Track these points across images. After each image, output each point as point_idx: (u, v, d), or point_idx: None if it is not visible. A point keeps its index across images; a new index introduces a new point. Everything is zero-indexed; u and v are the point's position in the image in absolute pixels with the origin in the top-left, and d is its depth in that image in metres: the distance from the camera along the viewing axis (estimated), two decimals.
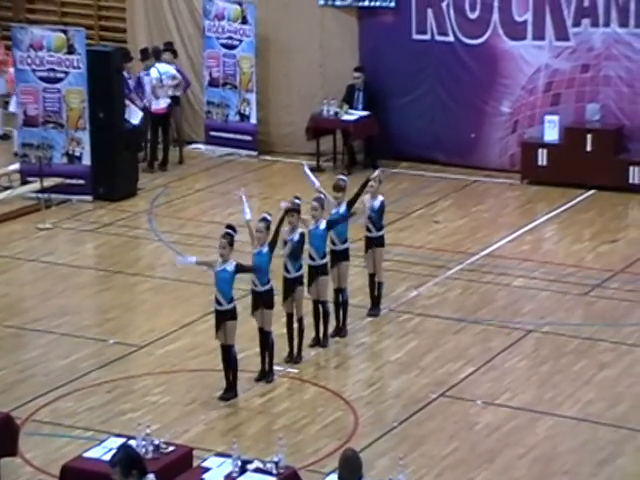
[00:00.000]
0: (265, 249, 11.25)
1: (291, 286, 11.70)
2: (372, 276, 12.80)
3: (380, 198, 12.64)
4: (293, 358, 11.82)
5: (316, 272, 12.03)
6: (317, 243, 12.01)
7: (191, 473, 8.66)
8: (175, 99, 18.57)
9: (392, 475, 8.40)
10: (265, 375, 11.38)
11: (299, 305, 11.78)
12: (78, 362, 11.85)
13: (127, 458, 6.61)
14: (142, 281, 14.05)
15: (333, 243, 12.27)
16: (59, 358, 11.96)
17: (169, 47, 18.74)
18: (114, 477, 6.59)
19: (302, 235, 11.76)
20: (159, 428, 10.07)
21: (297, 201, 11.82)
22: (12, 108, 18.88)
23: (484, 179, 17.58)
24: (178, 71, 18.62)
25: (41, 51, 16.72)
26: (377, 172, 12.89)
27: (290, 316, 11.83)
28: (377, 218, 12.66)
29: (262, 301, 11.33)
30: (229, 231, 11.05)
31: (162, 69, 18.20)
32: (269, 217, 11.36)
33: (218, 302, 11.05)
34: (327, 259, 12.13)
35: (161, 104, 18.14)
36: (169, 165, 18.37)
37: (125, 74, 17.61)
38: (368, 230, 12.70)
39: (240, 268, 11.04)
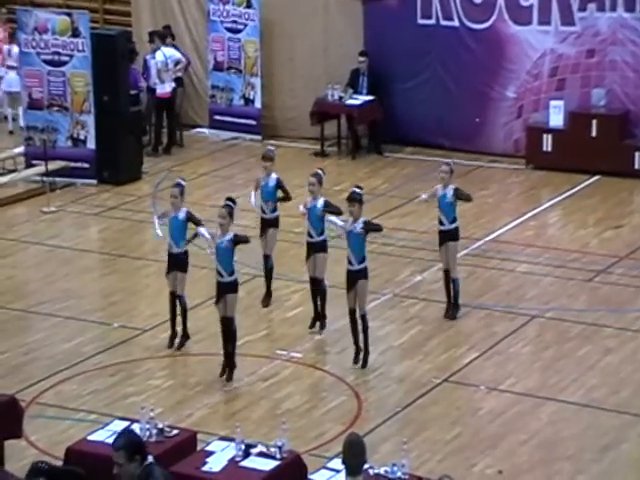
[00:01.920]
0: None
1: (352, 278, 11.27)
2: (446, 272, 12.31)
3: (452, 187, 12.12)
4: (359, 360, 11.37)
5: (314, 249, 12.03)
6: (315, 220, 11.99)
7: (195, 457, 8.67)
8: (178, 80, 18.55)
9: (395, 459, 8.41)
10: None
11: (362, 300, 11.30)
12: (82, 345, 11.87)
13: (130, 443, 6.63)
14: (146, 265, 14.06)
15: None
16: (63, 341, 11.98)
17: (168, 30, 18.70)
18: (117, 461, 6.60)
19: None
20: (163, 412, 10.08)
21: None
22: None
23: (488, 164, 17.55)
24: (178, 50, 18.60)
25: (46, 34, 16.71)
26: (445, 165, 12.30)
27: (353, 312, 11.38)
28: (449, 210, 12.18)
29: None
30: (229, 202, 11.12)
31: (168, 53, 18.17)
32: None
33: (219, 273, 11.09)
34: (325, 236, 12.07)
35: (166, 88, 18.12)
36: (173, 149, 18.36)
37: (134, 67, 17.62)
38: (440, 223, 12.28)
39: (237, 239, 11.05)
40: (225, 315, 11.09)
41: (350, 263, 11.24)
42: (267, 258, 12.75)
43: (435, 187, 12.38)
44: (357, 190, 11.29)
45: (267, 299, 12.75)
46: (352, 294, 11.30)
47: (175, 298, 11.73)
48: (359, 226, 11.14)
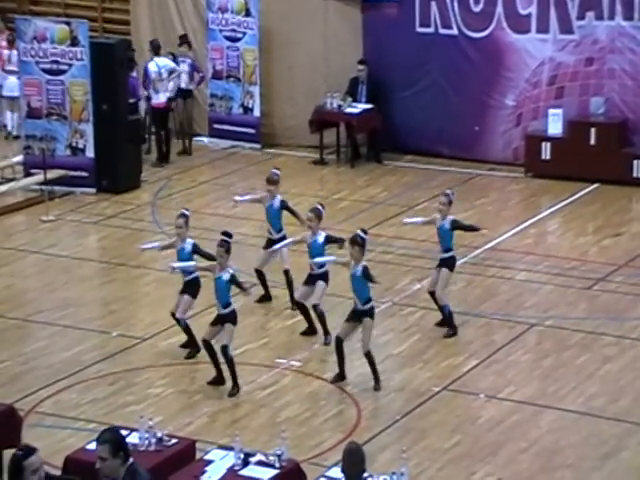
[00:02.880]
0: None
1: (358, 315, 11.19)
2: (431, 294, 12.28)
3: (450, 218, 12.12)
4: (337, 379, 11.38)
5: (314, 280, 12.04)
6: (316, 255, 11.94)
7: (194, 466, 8.65)
8: (188, 92, 18.58)
9: (395, 468, 8.40)
10: None
11: (366, 337, 11.16)
12: (81, 354, 11.86)
13: (115, 438, 6.62)
14: (145, 273, 14.05)
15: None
16: (62, 350, 11.97)
17: (184, 40, 18.73)
18: (101, 455, 6.55)
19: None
20: (162, 420, 10.08)
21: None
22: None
23: (487, 172, 17.56)
24: (193, 66, 18.62)
25: (44, 43, 16.72)
26: (444, 196, 12.23)
27: (340, 341, 11.24)
28: (446, 239, 12.15)
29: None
30: (225, 238, 11.09)
31: (161, 63, 18.15)
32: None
33: (217, 306, 11.18)
34: (326, 268, 12.04)
35: (161, 98, 18.08)
36: (174, 157, 18.35)
37: (132, 75, 17.64)
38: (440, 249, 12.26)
39: (234, 280, 11.04)
40: (222, 343, 11.06)
41: (356, 304, 11.13)
42: (286, 273, 12.74)
43: (434, 216, 12.38)
44: (360, 234, 11.11)
45: (293, 304, 12.65)
46: (350, 327, 11.17)
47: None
48: (359, 271, 11.02)
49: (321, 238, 11.98)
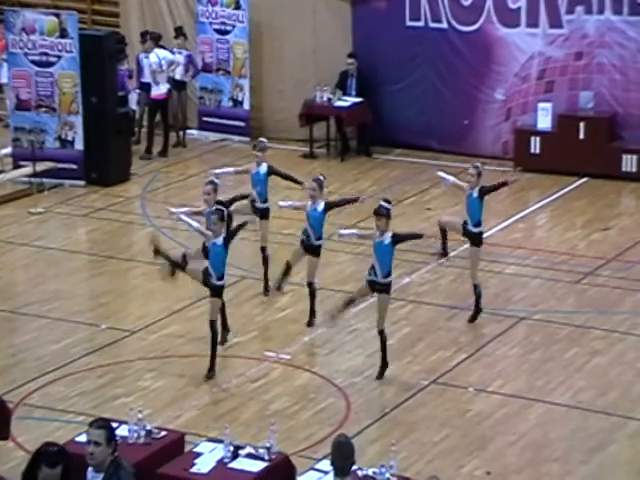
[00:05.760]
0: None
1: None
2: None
3: (478, 188, 12.04)
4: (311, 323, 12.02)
5: (308, 251, 12.09)
6: (315, 224, 12.03)
7: (183, 458, 8.66)
8: (182, 84, 18.54)
9: (384, 461, 8.42)
10: None
11: (381, 315, 11.20)
12: (70, 347, 11.84)
13: (110, 426, 6.61)
14: (134, 266, 14.03)
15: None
16: (51, 343, 11.95)
17: (180, 32, 18.68)
18: (97, 440, 6.51)
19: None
20: (151, 413, 10.07)
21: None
22: None
23: None
24: (189, 57, 18.58)
25: (33, 35, 16.67)
26: (473, 167, 12.19)
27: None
28: (475, 211, 12.10)
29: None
30: (220, 207, 11.25)
31: (161, 54, 18.13)
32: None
33: (209, 274, 11.16)
34: (322, 241, 12.13)
35: (161, 89, 18.06)
36: (174, 149, 18.29)
37: (121, 68, 17.58)
38: (465, 223, 12.19)
39: (229, 237, 11.16)
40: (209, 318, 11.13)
41: (375, 274, 11.01)
42: (263, 250, 12.88)
43: (463, 184, 12.35)
44: (385, 205, 11.03)
45: (266, 288, 12.84)
46: (364, 291, 11.16)
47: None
48: (387, 240, 10.96)
49: (320, 207, 12.01)
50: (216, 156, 18.23)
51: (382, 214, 10.98)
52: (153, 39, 18.26)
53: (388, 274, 11.03)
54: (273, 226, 13.57)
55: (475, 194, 12.14)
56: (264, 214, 12.84)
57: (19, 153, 16.90)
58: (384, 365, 11.19)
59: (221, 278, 11.13)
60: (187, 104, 18.93)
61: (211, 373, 11.11)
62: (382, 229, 11.00)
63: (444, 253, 12.58)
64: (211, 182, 11.99)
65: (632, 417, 10.47)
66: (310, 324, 12.19)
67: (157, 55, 18.06)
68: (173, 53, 18.40)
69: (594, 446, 10.01)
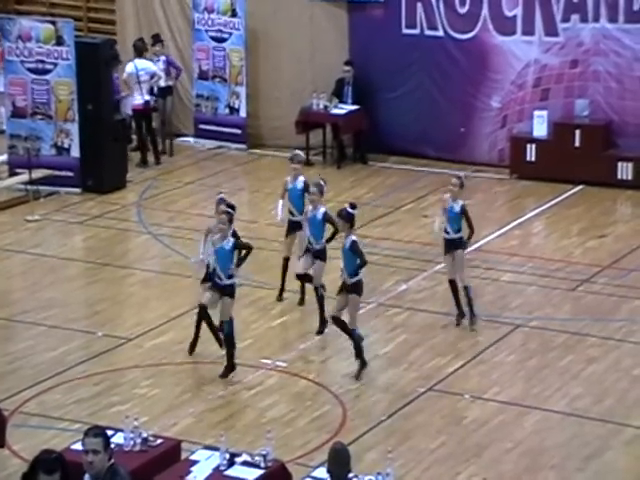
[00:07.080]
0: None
1: None
2: (451, 282, 12.25)
3: (461, 202, 12.14)
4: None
5: (313, 255, 12.16)
6: (315, 231, 12.06)
7: (179, 466, 8.65)
8: (167, 89, 18.51)
9: (380, 468, 8.41)
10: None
11: (351, 316, 11.38)
12: (66, 354, 11.83)
13: (106, 434, 6.61)
14: (130, 274, 14.03)
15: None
16: (47, 350, 11.94)
17: (157, 39, 18.64)
18: (95, 448, 6.50)
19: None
20: (147, 421, 10.06)
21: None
22: None
23: (473, 174, 17.58)
24: (168, 61, 18.54)
25: (29, 42, 16.68)
26: (455, 178, 12.30)
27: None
28: (455, 221, 12.14)
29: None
30: (228, 209, 11.30)
31: (140, 65, 17.98)
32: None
33: (218, 276, 11.20)
34: (323, 244, 12.18)
35: (137, 100, 17.95)
36: (162, 158, 18.30)
37: (116, 75, 17.55)
38: (446, 232, 12.24)
39: (238, 245, 11.27)
40: (220, 318, 11.20)
41: (343, 275, 11.31)
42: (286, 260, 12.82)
43: (445, 197, 12.39)
44: (348, 209, 11.25)
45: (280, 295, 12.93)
46: (342, 300, 11.28)
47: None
48: (348, 243, 11.18)
49: (320, 213, 12.10)
50: (212, 164, 18.25)
51: (341, 216, 11.21)
52: (135, 49, 18.11)
53: (355, 274, 11.17)
54: (273, 234, 13.57)
55: (457, 209, 12.14)
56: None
57: (15, 160, 16.90)
58: (362, 364, 11.26)
59: (231, 276, 11.20)
60: (174, 110, 18.85)
61: (228, 371, 11.12)
62: (341, 230, 11.31)
63: (461, 313, 12.36)
64: (227, 212, 11.36)
65: (628, 424, 10.47)
66: (320, 332, 12.13)
67: (135, 66, 17.92)
68: (154, 62, 18.27)
69: (590, 453, 10.01)
